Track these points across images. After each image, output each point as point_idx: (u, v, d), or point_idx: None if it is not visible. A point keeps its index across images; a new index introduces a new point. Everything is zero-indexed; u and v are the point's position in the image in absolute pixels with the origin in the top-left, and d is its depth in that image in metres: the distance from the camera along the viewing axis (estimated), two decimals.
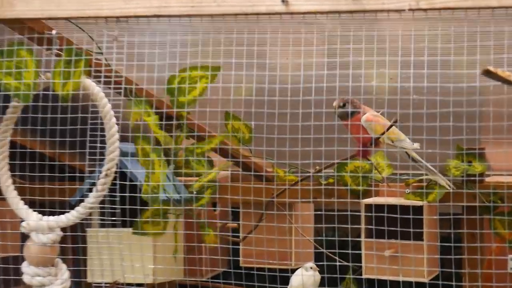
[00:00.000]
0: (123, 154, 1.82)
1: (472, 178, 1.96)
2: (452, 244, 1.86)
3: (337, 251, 1.81)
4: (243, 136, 1.93)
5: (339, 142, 1.70)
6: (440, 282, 1.82)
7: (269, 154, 1.80)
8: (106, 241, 1.78)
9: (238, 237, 2.11)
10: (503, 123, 1.56)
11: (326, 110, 1.67)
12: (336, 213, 1.76)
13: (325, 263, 1.85)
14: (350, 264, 1.80)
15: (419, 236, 1.95)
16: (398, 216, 1.82)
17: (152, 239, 1.84)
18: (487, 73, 1.51)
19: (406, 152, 1.81)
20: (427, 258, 1.96)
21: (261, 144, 1.73)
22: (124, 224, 1.84)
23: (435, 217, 1.98)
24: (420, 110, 1.59)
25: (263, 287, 1.91)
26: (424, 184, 1.99)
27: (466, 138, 1.70)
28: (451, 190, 1.88)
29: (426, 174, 1.86)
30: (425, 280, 1.94)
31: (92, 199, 1.65)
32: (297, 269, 2.09)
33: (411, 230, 1.81)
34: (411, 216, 1.82)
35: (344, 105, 1.74)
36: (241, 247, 2.09)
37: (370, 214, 1.96)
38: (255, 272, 1.93)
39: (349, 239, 1.84)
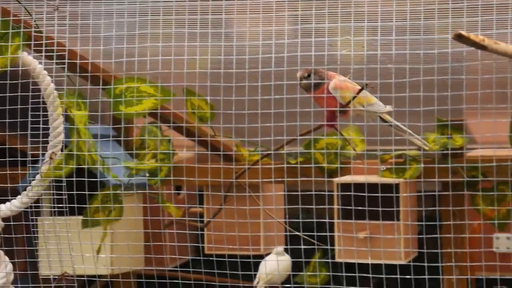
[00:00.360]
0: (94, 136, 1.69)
1: (453, 152, 1.84)
2: (426, 223, 1.74)
3: (301, 235, 1.68)
4: (203, 114, 1.80)
5: (304, 116, 1.57)
6: (412, 264, 1.70)
7: (229, 131, 1.67)
8: (54, 230, 1.65)
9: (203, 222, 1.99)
10: (477, 92, 1.43)
11: (289, 83, 1.54)
12: (299, 193, 1.62)
13: (304, 246, 1.73)
14: (316, 246, 1.67)
15: (396, 216, 1.83)
16: (366, 194, 1.69)
17: (105, 227, 1.72)
18: (459, 38, 1.38)
19: (380, 117, 1.67)
20: (404, 239, 1.84)
21: (219, 122, 1.60)
22: (73, 212, 1.71)
23: (408, 194, 1.86)
24: (389, 79, 1.46)
25: (234, 274, 1.79)
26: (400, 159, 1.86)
27: (444, 109, 1.57)
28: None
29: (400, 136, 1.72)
30: (402, 262, 1.82)
31: (35, 186, 1.53)
32: (267, 254, 1.98)
33: (380, 209, 1.68)
34: (379, 194, 1.70)
35: (308, 76, 1.60)
36: (205, 233, 1.97)
37: (343, 193, 1.84)
38: (226, 259, 1.81)
39: (315, 220, 1.71)
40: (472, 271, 1.88)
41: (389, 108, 1.61)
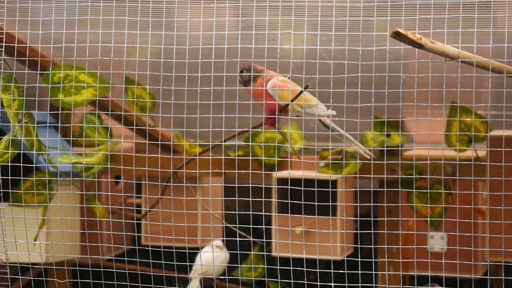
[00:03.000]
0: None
1: (391, 149, 1.86)
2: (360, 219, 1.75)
3: (236, 228, 1.68)
4: (143, 103, 1.79)
5: (244, 109, 1.57)
6: (344, 260, 1.71)
7: (168, 122, 1.66)
8: None
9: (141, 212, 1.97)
10: (413, 90, 1.45)
11: (228, 74, 1.53)
12: (236, 185, 1.62)
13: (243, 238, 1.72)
14: (251, 239, 1.67)
15: (333, 212, 1.84)
16: (303, 189, 1.69)
17: (41, 214, 1.69)
18: (397, 35, 1.40)
19: (320, 120, 1.68)
20: (341, 235, 1.85)
21: (158, 112, 1.59)
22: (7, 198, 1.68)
23: (344, 190, 1.88)
24: (327, 75, 1.47)
25: (170, 265, 1.78)
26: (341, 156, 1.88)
27: (381, 107, 1.59)
28: (371, 161, 1.76)
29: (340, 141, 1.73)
30: (339, 257, 1.84)
31: None
32: (204, 247, 1.98)
33: (316, 203, 1.69)
34: (316, 189, 1.70)
35: (245, 70, 1.60)
36: (142, 223, 1.96)
37: (281, 188, 1.85)
38: (161, 249, 1.79)
39: (251, 212, 1.71)
40: (405, 268, 1.90)
41: (330, 112, 1.61)
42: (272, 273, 1.97)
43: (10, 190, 1.60)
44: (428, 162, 1.53)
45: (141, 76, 1.73)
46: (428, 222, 1.85)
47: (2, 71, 1.55)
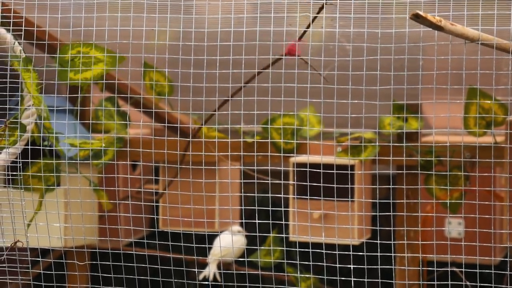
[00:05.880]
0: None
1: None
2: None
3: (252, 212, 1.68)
4: (161, 88, 1.79)
5: (262, 93, 1.57)
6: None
7: (186, 107, 1.66)
8: (8, 198, 1.62)
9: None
10: (432, 73, 1.44)
11: (247, 57, 1.53)
12: (255, 167, 1.62)
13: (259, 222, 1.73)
14: (270, 221, 1.68)
15: (351, 196, 1.84)
16: (321, 171, 1.70)
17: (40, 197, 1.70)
18: (417, 18, 1.40)
19: None
20: (359, 220, 1.85)
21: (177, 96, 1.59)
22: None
23: (366, 176, 1.88)
24: (346, 58, 1.47)
25: (188, 249, 1.79)
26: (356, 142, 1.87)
27: (400, 91, 1.58)
28: (390, 144, 1.75)
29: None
30: (356, 242, 1.84)
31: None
32: (222, 232, 1.98)
33: (335, 186, 1.69)
34: (334, 171, 1.71)
35: None
36: (160, 207, 1.96)
37: (298, 173, 1.85)
38: (180, 231, 1.79)
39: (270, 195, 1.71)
40: (423, 253, 1.90)
41: None
42: (289, 257, 1.98)
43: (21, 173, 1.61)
44: (448, 144, 1.53)
45: (159, 61, 1.73)
46: (449, 206, 1.85)
47: (22, 54, 1.55)
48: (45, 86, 1.62)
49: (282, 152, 1.90)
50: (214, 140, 1.71)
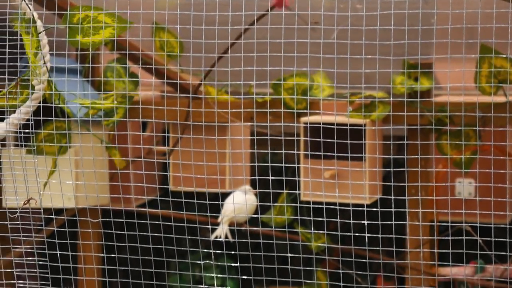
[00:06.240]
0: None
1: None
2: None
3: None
4: (171, 49, 1.78)
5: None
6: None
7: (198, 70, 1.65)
8: (20, 162, 1.62)
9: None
10: (447, 27, 1.43)
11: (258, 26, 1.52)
12: (268, 124, 1.62)
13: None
14: (284, 178, 1.68)
15: (360, 157, 1.84)
16: (335, 128, 1.69)
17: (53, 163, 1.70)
18: None
19: None
20: (370, 179, 1.85)
21: (188, 60, 1.58)
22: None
23: (377, 137, 1.87)
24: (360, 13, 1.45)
25: (199, 210, 1.80)
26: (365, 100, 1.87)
27: (413, 50, 1.58)
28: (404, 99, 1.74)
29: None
30: (367, 203, 1.84)
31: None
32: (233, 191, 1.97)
33: (349, 142, 1.68)
34: (343, 134, 1.71)
35: None
36: (170, 167, 1.96)
37: (309, 133, 1.85)
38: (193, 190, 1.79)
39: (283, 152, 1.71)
40: (433, 213, 1.90)
41: None
42: (301, 217, 1.97)
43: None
44: (463, 100, 1.52)
45: (170, 21, 1.72)
46: (463, 165, 1.85)
47: (30, 12, 1.54)
48: (55, 47, 1.61)
49: (290, 113, 1.89)
50: (224, 98, 1.69)
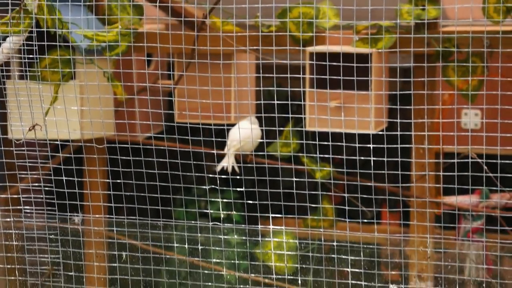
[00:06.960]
0: None
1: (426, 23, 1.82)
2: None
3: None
4: None
5: None
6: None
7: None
8: (26, 94, 1.62)
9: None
10: None
11: None
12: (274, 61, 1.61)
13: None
14: (290, 116, 1.67)
15: (367, 87, 1.83)
16: (341, 58, 1.68)
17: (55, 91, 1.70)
18: None
19: None
20: (374, 109, 1.84)
21: None
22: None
23: (383, 65, 1.86)
24: None
25: (205, 142, 1.80)
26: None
27: None
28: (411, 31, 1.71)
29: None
30: (372, 131, 1.83)
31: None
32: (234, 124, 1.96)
33: (354, 74, 1.68)
34: (348, 64, 1.69)
35: None
36: (175, 100, 1.96)
37: (314, 63, 1.83)
38: (200, 126, 1.79)
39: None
40: (439, 144, 1.90)
41: None
42: (306, 149, 1.97)
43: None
44: (471, 27, 1.50)
45: None
46: (470, 96, 1.83)
47: None
48: None
49: (297, 43, 1.87)
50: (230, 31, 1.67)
